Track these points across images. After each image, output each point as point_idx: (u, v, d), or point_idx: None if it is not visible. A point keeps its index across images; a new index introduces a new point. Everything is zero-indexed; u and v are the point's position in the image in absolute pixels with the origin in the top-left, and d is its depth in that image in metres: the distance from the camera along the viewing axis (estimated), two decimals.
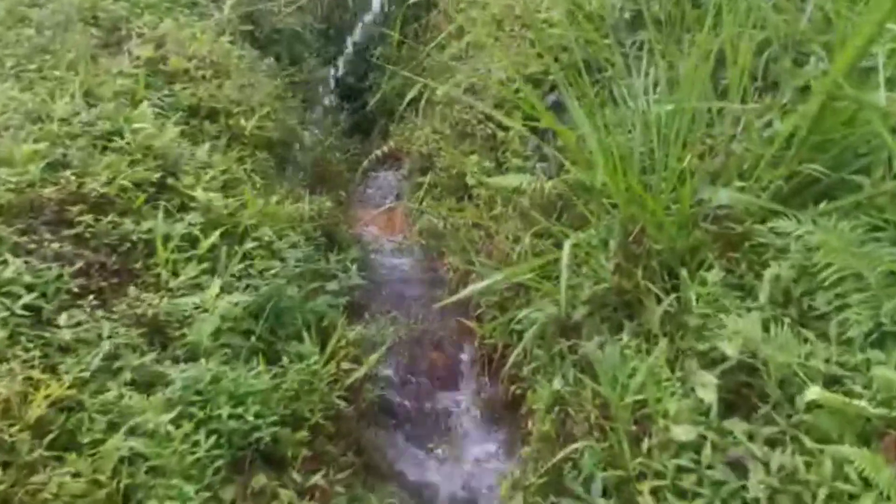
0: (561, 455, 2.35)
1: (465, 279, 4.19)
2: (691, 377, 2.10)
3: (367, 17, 7.24)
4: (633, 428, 2.21)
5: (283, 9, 6.73)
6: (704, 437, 1.97)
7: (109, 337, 2.29)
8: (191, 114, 4.34)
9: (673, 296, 2.56)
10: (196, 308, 2.50)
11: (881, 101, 2.30)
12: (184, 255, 2.95)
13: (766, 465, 1.84)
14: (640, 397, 2.19)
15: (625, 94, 3.57)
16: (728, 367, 2.03)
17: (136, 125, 3.39)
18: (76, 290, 2.48)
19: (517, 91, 4.58)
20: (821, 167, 2.48)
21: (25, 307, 2.31)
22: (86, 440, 2.06)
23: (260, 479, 2.27)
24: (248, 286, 2.92)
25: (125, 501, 2.01)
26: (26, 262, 2.47)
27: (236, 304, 2.56)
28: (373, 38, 7.54)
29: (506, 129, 4.60)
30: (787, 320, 2.01)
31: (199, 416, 2.16)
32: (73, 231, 2.69)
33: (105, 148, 3.18)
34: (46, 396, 2.03)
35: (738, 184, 2.65)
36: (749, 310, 2.21)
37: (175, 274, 2.84)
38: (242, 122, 4.44)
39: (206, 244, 3.03)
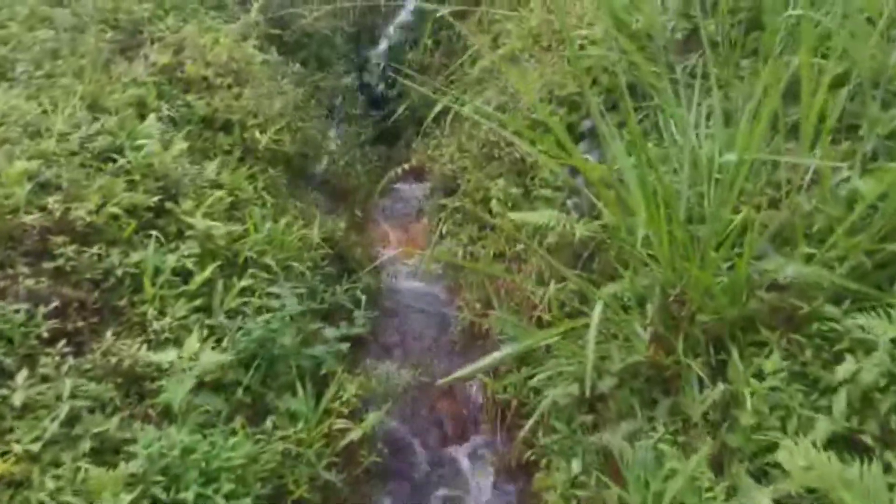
0: None
1: (481, 319, 3.86)
2: (741, 493, 1.74)
3: (398, 22, 6.92)
4: None
5: (314, 12, 6.46)
6: None
7: (72, 397, 2.01)
8: (205, 125, 4.07)
9: (721, 386, 2.17)
10: (177, 360, 2.21)
11: None
12: (174, 290, 2.67)
13: None
14: None
15: (672, 126, 3.19)
16: (788, 493, 1.65)
17: (139, 141, 3.12)
18: (47, 334, 2.21)
19: (551, 113, 4.23)
20: None
21: None
22: None
23: None
24: (240, 330, 2.63)
25: None
26: None
27: (220, 362, 2.26)
28: (404, 43, 7.22)
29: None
30: (867, 440, 1.63)
31: (163, 499, 1.86)
32: (53, 264, 2.42)
33: (102, 168, 2.91)
34: None
35: (807, 250, 2.25)
36: (816, 409, 1.83)
37: (162, 313, 2.57)
38: (257, 135, 4.16)
39: (199, 279, 2.74)
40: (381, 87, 7.18)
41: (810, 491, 1.62)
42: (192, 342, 2.24)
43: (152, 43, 4.28)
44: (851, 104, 2.68)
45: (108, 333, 2.32)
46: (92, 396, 2.08)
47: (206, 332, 2.60)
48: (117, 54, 4.10)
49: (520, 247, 3.80)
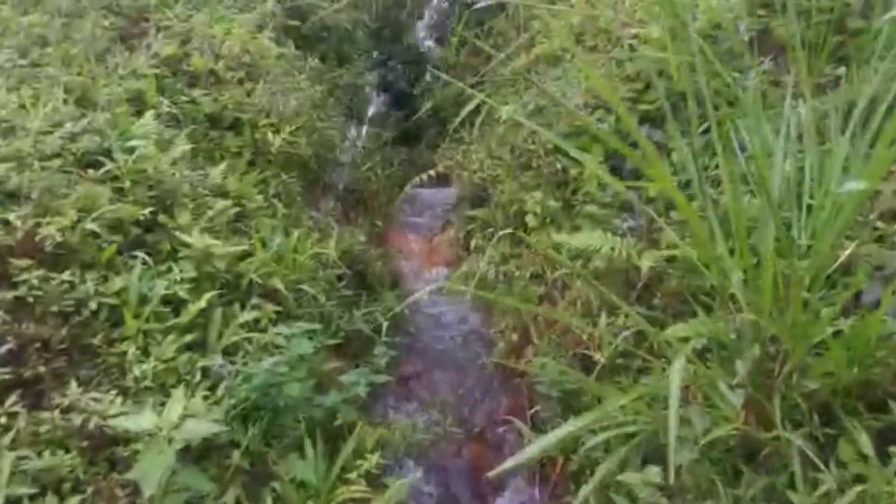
0: None
1: (517, 351, 3.38)
2: None
3: (426, 17, 6.44)
4: None
5: (335, 4, 5.99)
6: None
7: (11, 478, 1.55)
8: (212, 124, 3.61)
9: (834, 471, 1.69)
10: (155, 426, 1.74)
11: None
12: (162, 324, 2.20)
13: None
14: None
15: (748, 140, 2.69)
16: None
17: (131, 142, 2.66)
18: None
19: (599, 120, 3.73)
20: None
21: None
22: None
23: None
24: (238, 375, 2.16)
25: None
26: None
27: (208, 431, 1.78)
28: (430, 39, 6.76)
29: (580, 164, 3.77)
30: None
31: None
32: (12, 294, 1.96)
33: (84, 174, 2.46)
34: None
35: None
36: None
37: (146, 353, 2.10)
38: (270, 136, 3.70)
39: (193, 309, 2.28)
40: (404, 84, 6.72)
41: None
42: (176, 406, 1.76)
43: (157, 32, 3.84)
44: None
45: (75, 382, 1.86)
46: (45, 470, 1.62)
47: (198, 376, 2.13)
48: (117, 43, 3.65)
49: (562, 270, 3.30)
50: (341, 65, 5.85)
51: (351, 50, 6.00)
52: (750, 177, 2.54)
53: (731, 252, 2.08)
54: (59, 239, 2.08)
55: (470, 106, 4.70)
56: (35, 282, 1.98)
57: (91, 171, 2.45)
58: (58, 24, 3.48)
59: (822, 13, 3.06)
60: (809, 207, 2.28)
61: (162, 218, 2.50)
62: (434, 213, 5.38)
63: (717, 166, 2.55)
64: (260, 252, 2.76)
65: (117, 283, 2.15)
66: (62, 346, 1.96)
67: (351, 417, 2.35)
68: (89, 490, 1.67)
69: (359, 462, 2.17)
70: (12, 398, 1.76)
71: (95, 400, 1.82)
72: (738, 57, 3.23)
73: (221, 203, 2.89)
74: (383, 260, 4.15)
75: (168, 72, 3.53)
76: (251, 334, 2.39)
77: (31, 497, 1.56)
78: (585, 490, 2.23)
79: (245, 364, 2.23)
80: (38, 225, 2.11)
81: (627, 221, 3.07)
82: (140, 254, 2.27)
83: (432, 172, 4.54)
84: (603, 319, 2.89)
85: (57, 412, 1.77)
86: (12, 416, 1.72)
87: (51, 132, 2.53)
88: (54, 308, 1.99)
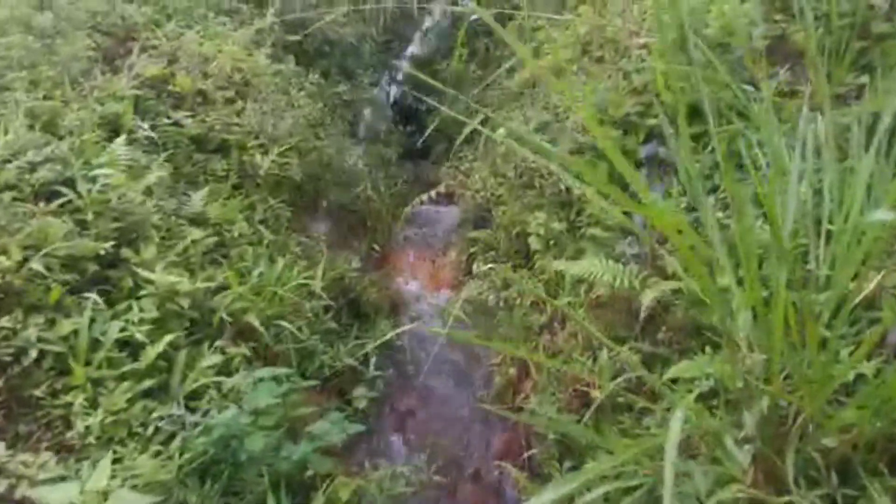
0: None
1: (514, 385, 3.15)
2: None
3: (426, 27, 6.26)
4: None
5: (339, 18, 5.85)
6: None
7: None
8: (197, 147, 3.46)
9: None
10: (77, 499, 1.55)
11: None
12: (116, 370, 2.03)
13: None
14: None
15: (761, 157, 2.45)
16: None
17: (97, 171, 2.51)
18: None
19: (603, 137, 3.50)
20: None
21: None
22: None
23: None
24: (196, 426, 1.98)
25: None
26: None
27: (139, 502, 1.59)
28: (437, 52, 6.58)
29: (584, 182, 3.54)
30: None
31: None
32: None
33: (40, 206, 2.30)
34: None
35: None
36: None
37: (94, 405, 1.93)
38: (258, 158, 3.54)
39: (152, 353, 2.10)
40: (411, 99, 6.55)
41: None
42: (101, 475, 1.57)
43: (143, 51, 3.71)
44: None
45: (2, 443, 1.68)
46: None
47: (152, 429, 1.95)
48: (99, 63, 3.53)
49: (563, 299, 3.07)
50: (345, 79, 5.69)
51: (356, 64, 5.84)
52: (763, 198, 2.30)
53: (741, 283, 1.84)
54: (1, 279, 1.92)
55: (471, 125, 4.50)
56: None
57: (48, 204, 2.29)
58: (38, 46, 3.37)
59: (844, 17, 2.81)
60: (829, 233, 2.04)
61: (125, 252, 2.33)
62: (440, 233, 5.18)
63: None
64: (235, 286, 2.58)
65: (66, 326, 1.97)
66: None
67: (324, 468, 2.14)
68: None
69: None
70: None
71: (25, 464, 1.64)
72: (751, 66, 2.98)
73: (197, 233, 2.72)
74: (381, 285, 3.95)
75: (151, 93, 3.39)
76: (218, 378, 2.20)
77: None
78: None
79: (207, 412, 2.05)
80: None
81: (632, 247, 2.83)
82: (93, 295, 2.10)
83: (433, 193, 4.32)
84: (604, 354, 2.65)
85: None
86: None
87: (8, 161, 2.39)
88: None
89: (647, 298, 2.39)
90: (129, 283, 2.26)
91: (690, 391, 2.23)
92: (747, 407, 1.85)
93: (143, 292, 2.23)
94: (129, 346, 2.11)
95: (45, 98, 2.76)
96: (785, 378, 1.84)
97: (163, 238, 2.57)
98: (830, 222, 2.04)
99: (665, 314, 2.64)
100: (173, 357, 2.18)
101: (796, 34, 3.01)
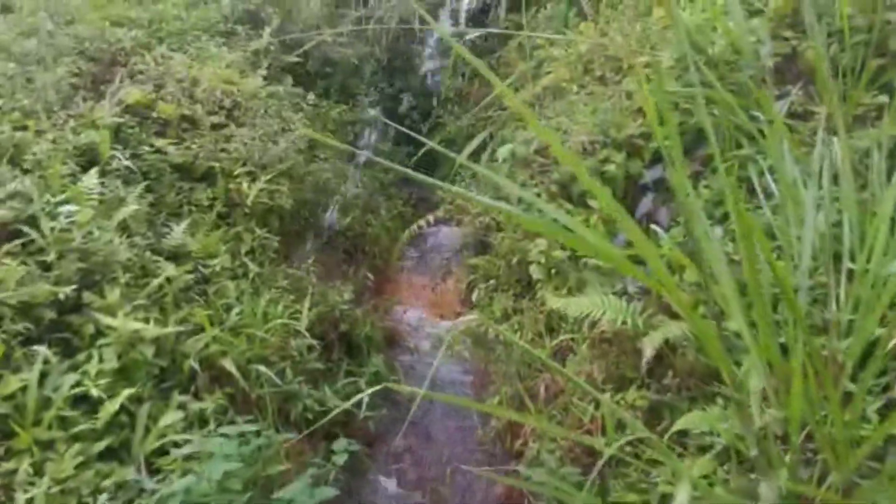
0: None
1: (513, 427, 2.93)
2: None
3: (431, 43, 6.11)
4: None
5: (339, 38, 5.71)
6: None
7: None
8: (181, 176, 3.31)
9: None
10: None
11: None
12: (70, 430, 1.85)
13: None
14: None
15: (772, 183, 2.23)
16: None
17: (62, 207, 2.35)
18: None
19: (606, 160, 3.31)
20: None
21: None
22: None
23: None
24: (154, 494, 1.78)
25: None
26: None
27: None
28: (442, 70, 6.43)
29: (587, 208, 3.35)
30: None
31: None
32: None
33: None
34: None
35: None
36: None
37: (38, 473, 1.74)
38: (245, 186, 3.37)
39: (109, 409, 1.92)
40: (416, 117, 6.39)
41: None
42: None
43: (129, 77, 3.56)
44: None
45: None
46: None
47: (104, 497, 1.76)
48: (84, 90, 3.39)
49: (564, 335, 2.86)
50: (346, 100, 5.54)
51: (357, 84, 5.69)
52: (777, 231, 2.08)
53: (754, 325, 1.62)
54: None
55: (473, 143, 4.32)
56: None
57: (7, 244, 2.13)
58: (20, 73, 3.23)
59: (859, 33, 2.59)
60: (850, 272, 1.82)
61: (87, 296, 2.16)
62: (440, 257, 4.97)
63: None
64: (209, 328, 2.39)
65: (13, 384, 1.79)
66: None
67: None
68: None
69: None
70: None
71: None
72: (760, 85, 2.77)
73: (172, 270, 2.54)
74: (377, 315, 3.75)
75: (133, 120, 3.23)
76: (185, 436, 2.01)
77: None
78: None
79: (167, 477, 1.85)
80: None
81: (636, 281, 2.62)
82: (43, 348, 1.92)
83: (431, 218, 4.13)
84: (607, 399, 2.43)
85: None
86: None
87: None
88: None
89: (652, 342, 2.17)
90: (90, 329, 2.08)
91: (702, 448, 2.01)
92: (763, 477, 1.62)
93: (103, 340, 2.05)
94: (86, 402, 1.93)
95: (14, 129, 2.60)
96: (805, 439, 1.63)
97: (135, 277, 2.39)
98: (851, 259, 1.83)
99: (673, 355, 2.42)
100: (136, 412, 1.98)
101: (808, 51, 2.80)
